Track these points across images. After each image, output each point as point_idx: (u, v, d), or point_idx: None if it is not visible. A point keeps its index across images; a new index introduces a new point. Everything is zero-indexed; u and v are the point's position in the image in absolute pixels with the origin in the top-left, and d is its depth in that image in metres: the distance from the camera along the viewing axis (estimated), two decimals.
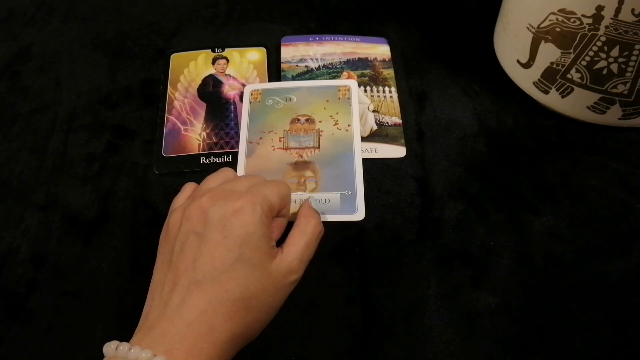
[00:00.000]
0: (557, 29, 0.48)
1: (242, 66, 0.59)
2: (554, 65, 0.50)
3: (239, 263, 0.36)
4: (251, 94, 0.56)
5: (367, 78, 0.58)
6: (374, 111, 0.55)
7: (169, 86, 0.58)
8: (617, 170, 0.51)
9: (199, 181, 0.45)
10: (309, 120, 0.54)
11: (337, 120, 0.54)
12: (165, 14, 0.65)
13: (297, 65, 0.59)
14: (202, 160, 0.52)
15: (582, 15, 0.45)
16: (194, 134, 0.54)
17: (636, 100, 0.49)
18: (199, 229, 0.37)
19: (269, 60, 0.60)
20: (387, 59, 0.60)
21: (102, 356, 0.35)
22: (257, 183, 0.41)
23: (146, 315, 0.36)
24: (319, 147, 0.52)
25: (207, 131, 0.54)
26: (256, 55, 0.60)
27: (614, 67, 0.47)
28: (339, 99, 0.55)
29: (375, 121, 0.55)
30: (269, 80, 0.58)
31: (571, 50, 0.48)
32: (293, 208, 0.46)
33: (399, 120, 0.55)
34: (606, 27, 0.45)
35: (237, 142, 0.53)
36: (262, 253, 0.37)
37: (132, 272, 0.46)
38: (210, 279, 0.35)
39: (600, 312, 0.43)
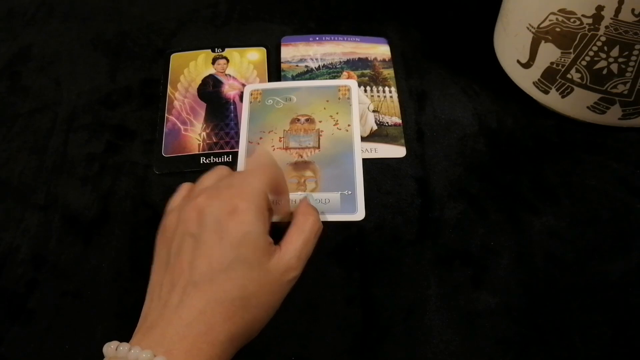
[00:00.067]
0: (557, 29, 0.48)
1: (242, 66, 0.59)
2: (554, 65, 0.50)
3: (236, 263, 0.36)
4: (251, 94, 0.56)
5: (367, 78, 0.58)
6: (374, 111, 0.55)
7: (169, 86, 0.58)
8: (617, 170, 0.51)
9: None
10: (309, 120, 0.54)
11: (337, 120, 0.54)
12: (165, 14, 0.65)
13: (297, 65, 0.59)
14: (202, 160, 0.52)
15: (582, 15, 0.45)
16: (194, 134, 0.54)
17: (636, 100, 0.49)
18: (194, 230, 0.37)
19: (269, 60, 0.60)
20: (387, 59, 0.60)
21: (102, 356, 0.35)
22: (250, 176, 0.41)
23: (145, 317, 0.36)
24: (319, 147, 0.52)
25: (207, 131, 0.54)
26: (256, 55, 0.60)
27: (614, 67, 0.47)
28: (339, 99, 0.55)
29: (375, 121, 0.55)
30: (269, 80, 0.58)
31: (571, 50, 0.48)
32: (292, 208, 0.46)
33: (399, 120, 0.55)
34: (606, 27, 0.45)
35: (237, 142, 0.53)
36: (260, 252, 0.37)
37: (132, 272, 0.46)
38: (208, 280, 0.35)
39: (600, 312, 0.43)
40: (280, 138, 0.53)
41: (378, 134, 0.54)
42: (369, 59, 0.60)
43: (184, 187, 0.43)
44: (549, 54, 0.50)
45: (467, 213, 0.48)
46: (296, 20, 0.64)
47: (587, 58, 0.48)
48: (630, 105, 0.50)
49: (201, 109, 0.56)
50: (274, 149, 0.52)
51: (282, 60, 0.60)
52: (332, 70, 0.59)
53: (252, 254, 0.37)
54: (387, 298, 0.44)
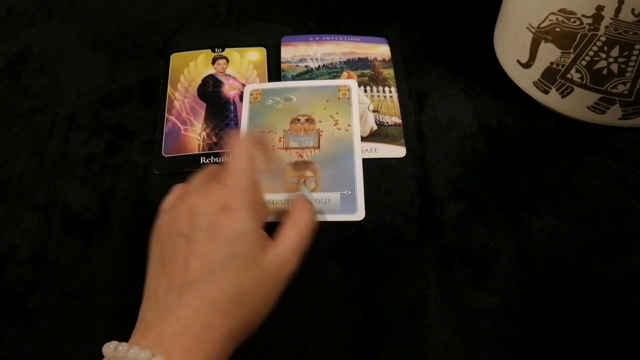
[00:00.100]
0: (557, 29, 0.48)
1: (242, 66, 0.59)
2: (554, 65, 0.50)
3: (231, 260, 0.36)
4: (251, 94, 0.56)
5: (367, 78, 0.58)
6: (374, 111, 0.55)
7: (169, 86, 0.58)
8: (617, 170, 0.51)
9: None
10: (309, 120, 0.54)
11: (337, 120, 0.54)
12: (165, 14, 0.65)
13: (297, 65, 0.59)
14: (202, 160, 0.52)
15: (582, 15, 0.45)
16: (194, 134, 0.54)
17: (636, 100, 0.49)
18: (187, 230, 0.37)
19: (269, 60, 0.60)
20: (387, 59, 0.60)
21: (102, 356, 0.35)
22: (238, 173, 0.40)
23: (143, 317, 0.36)
24: (319, 147, 0.52)
25: (207, 131, 0.54)
26: (256, 55, 0.61)
27: (614, 67, 0.47)
28: (339, 99, 0.55)
29: (375, 121, 0.55)
30: (269, 80, 0.58)
31: (571, 50, 0.48)
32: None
33: (399, 120, 0.55)
34: (606, 27, 0.45)
35: None
36: (254, 248, 0.37)
37: (132, 272, 0.46)
38: (203, 279, 0.35)
39: (600, 312, 0.43)
40: (280, 138, 0.53)
41: (378, 134, 0.54)
42: (369, 59, 0.60)
43: (177, 189, 0.43)
44: (549, 54, 0.50)
45: (467, 213, 0.48)
46: (296, 20, 0.64)
47: (587, 58, 0.48)
48: (630, 105, 0.50)
49: (201, 109, 0.56)
50: (274, 149, 0.52)
51: (282, 60, 0.60)
52: (332, 70, 0.59)
53: (246, 251, 0.37)
54: (387, 298, 0.44)
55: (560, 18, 0.47)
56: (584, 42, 0.47)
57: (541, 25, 0.49)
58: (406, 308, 0.44)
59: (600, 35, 0.46)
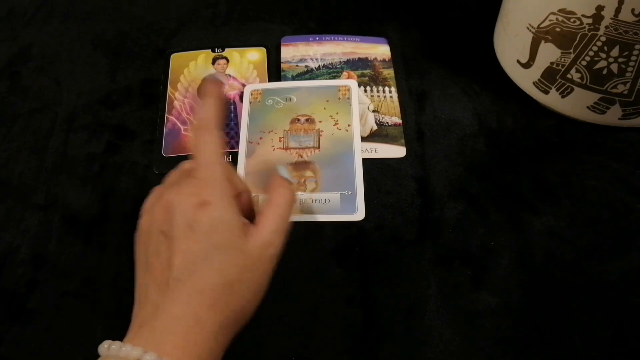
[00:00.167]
0: (557, 29, 0.48)
1: (242, 66, 0.59)
2: (554, 65, 0.50)
3: (212, 251, 0.36)
4: (251, 94, 0.56)
5: (367, 78, 0.58)
6: (374, 111, 0.55)
7: (169, 86, 0.58)
8: (617, 170, 0.51)
9: None
10: (309, 120, 0.54)
11: (337, 120, 0.54)
12: (165, 14, 0.65)
13: (297, 65, 0.59)
14: None
15: (582, 15, 0.45)
16: None
17: (636, 100, 0.49)
18: (165, 228, 0.38)
19: (269, 60, 0.60)
20: (387, 59, 0.60)
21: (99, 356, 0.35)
22: (209, 166, 0.40)
23: (134, 318, 0.37)
24: (319, 147, 0.52)
25: None
26: (256, 55, 0.60)
27: (614, 67, 0.47)
28: (339, 99, 0.56)
29: (375, 121, 0.55)
30: (269, 80, 0.58)
31: (571, 50, 0.48)
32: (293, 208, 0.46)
33: (399, 120, 0.55)
34: (606, 27, 0.45)
35: (237, 142, 0.53)
36: (234, 235, 0.37)
37: (132, 272, 0.46)
38: (188, 273, 0.35)
39: (600, 312, 0.43)
40: (280, 138, 0.53)
41: (378, 134, 0.54)
42: (369, 59, 0.60)
43: (156, 189, 0.43)
44: (549, 54, 0.50)
45: (467, 213, 0.48)
46: (296, 20, 0.64)
47: (587, 58, 0.48)
48: (630, 105, 0.50)
49: None
50: (274, 149, 0.52)
51: (282, 60, 0.60)
52: (332, 70, 0.59)
53: (226, 239, 0.37)
54: (387, 298, 0.44)
55: (560, 18, 0.47)
56: (584, 42, 0.47)
57: (541, 25, 0.49)
58: (406, 308, 0.44)
59: (600, 35, 0.46)
